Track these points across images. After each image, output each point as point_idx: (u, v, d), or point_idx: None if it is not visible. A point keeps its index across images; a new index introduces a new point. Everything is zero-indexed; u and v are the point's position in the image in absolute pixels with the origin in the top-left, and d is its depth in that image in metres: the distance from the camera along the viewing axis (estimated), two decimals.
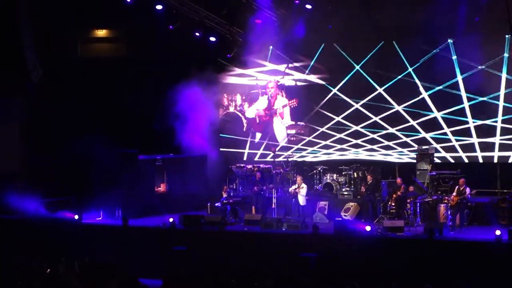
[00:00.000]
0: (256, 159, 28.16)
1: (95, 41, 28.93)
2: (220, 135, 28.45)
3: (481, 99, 24.62)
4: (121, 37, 28.74)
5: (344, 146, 26.87)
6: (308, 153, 27.43)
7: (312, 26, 25.46)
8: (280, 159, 26.83)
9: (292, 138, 27.70)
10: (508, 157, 24.55)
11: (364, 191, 23.56)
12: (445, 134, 25.30)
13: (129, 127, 26.51)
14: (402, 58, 25.29)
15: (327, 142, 27.07)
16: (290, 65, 27.31)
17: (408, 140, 25.81)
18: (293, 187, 23.72)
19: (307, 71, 27.14)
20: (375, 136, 26.37)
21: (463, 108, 24.90)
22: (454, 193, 21.75)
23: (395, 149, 26.07)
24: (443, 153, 25.28)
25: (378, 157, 26.45)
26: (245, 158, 28.29)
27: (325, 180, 25.41)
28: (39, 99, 26.13)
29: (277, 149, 27.02)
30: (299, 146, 27.54)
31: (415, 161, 24.70)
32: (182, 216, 23.17)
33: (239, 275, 16.38)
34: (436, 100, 25.25)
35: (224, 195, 24.22)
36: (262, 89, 28.14)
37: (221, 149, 28.43)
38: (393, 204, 22.64)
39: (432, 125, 25.42)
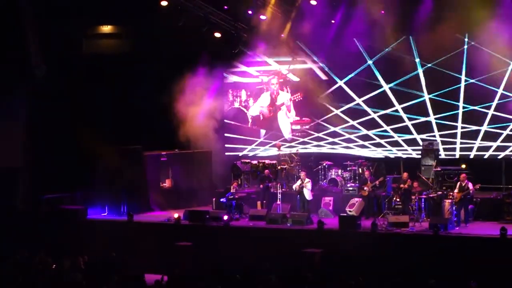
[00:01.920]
0: (251, 154, 28.17)
1: (100, 37, 28.93)
2: (225, 130, 28.51)
3: None
4: (126, 33, 28.71)
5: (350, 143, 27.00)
6: (313, 146, 27.47)
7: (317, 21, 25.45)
8: (284, 152, 26.86)
9: (297, 134, 27.72)
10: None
11: (368, 188, 23.44)
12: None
13: (134, 123, 26.54)
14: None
15: (335, 139, 27.13)
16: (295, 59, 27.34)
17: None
18: (297, 183, 23.73)
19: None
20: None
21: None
22: (456, 190, 21.73)
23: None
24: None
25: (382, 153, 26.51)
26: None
27: (330, 176, 25.38)
28: (43, 95, 26.18)
29: (281, 148, 26.95)
30: (305, 139, 27.60)
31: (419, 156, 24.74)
32: (187, 211, 23.25)
33: (243, 270, 16.43)
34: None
35: (233, 190, 24.21)
36: (265, 85, 28.15)
37: (226, 144, 28.47)
38: (398, 199, 22.60)
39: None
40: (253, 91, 28.45)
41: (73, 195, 24.71)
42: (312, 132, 27.38)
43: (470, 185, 21.65)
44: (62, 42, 26.42)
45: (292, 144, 27.69)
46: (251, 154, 28.30)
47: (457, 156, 25.26)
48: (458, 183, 21.90)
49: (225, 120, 28.56)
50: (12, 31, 25.04)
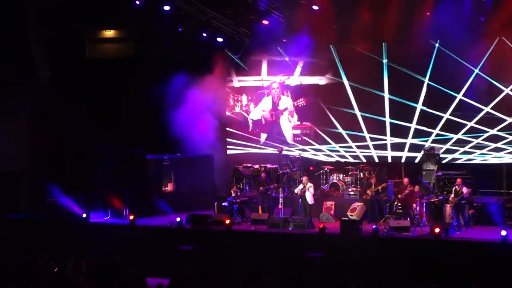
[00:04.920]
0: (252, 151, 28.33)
1: (103, 41, 29.07)
2: (227, 134, 28.58)
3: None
4: (128, 37, 28.87)
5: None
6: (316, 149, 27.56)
7: (318, 26, 25.53)
8: (286, 152, 26.96)
9: (297, 138, 27.78)
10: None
11: (371, 192, 23.46)
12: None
13: (137, 127, 26.62)
14: None
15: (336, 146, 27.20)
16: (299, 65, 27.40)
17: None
18: (299, 187, 23.80)
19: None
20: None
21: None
22: (452, 195, 21.82)
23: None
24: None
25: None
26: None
27: (332, 180, 25.44)
28: (46, 99, 26.27)
29: (283, 150, 27.03)
30: (306, 146, 27.66)
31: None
32: (189, 215, 23.30)
33: (245, 274, 16.47)
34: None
35: (233, 194, 24.27)
36: (267, 90, 28.22)
37: (227, 149, 28.54)
38: (399, 204, 22.66)
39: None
40: (253, 96, 28.52)
41: (76, 199, 24.74)
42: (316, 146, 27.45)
43: (465, 189, 21.73)
44: (65, 46, 26.55)
45: (293, 148, 27.73)
46: (252, 151, 28.37)
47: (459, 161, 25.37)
48: (454, 187, 22.01)
49: (227, 124, 28.62)
50: (16, 34, 25.17)
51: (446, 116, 25.11)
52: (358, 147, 26.59)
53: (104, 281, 16.20)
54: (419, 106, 25.41)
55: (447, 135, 25.22)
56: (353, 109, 26.41)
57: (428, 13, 24.11)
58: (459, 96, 24.83)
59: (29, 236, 23.11)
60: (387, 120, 25.99)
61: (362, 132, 26.38)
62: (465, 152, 25.06)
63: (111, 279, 16.21)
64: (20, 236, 23.21)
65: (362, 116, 26.28)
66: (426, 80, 25.21)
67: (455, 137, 25.08)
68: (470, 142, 24.93)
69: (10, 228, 23.79)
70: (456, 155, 25.18)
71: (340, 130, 26.73)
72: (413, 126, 25.61)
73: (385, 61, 25.67)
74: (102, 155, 25.37)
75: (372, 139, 26.37)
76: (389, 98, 25.85)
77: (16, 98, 26.29)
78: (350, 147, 26.68)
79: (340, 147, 26.86)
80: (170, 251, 21.36)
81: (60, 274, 16.95)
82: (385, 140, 26.14)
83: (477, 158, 24.89)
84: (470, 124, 24.80)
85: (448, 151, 25.19)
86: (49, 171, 25.88)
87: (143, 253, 21.84)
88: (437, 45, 24.79)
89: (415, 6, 24.13)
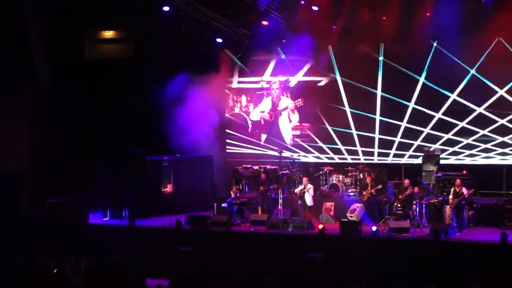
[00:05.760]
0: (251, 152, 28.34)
1: (102, 42, 29.06)
2: (226, 135, 28.58)
3: None
4: (128, 38, 28.86)
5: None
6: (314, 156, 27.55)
7: (318, 27, 25.54)
8: (287, 153, 26.96)
9: (297, 139, 27.77)
10: None
11: (366, 193, 23.45)
12: None
13: (137, 127, 26.61)
14: None
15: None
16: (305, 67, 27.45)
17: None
18: (299, 188, 23.79)
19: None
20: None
21: None
22: (451, 196, 21.82)
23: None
24: None
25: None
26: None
27: (331, 181, 25.43)
28: (47, 99, 26.27)
29: (282, 151, 27.03)
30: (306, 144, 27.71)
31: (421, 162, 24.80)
32: (188, 216, 23.27)
33: (245, 275, 16.48)
34: None
35: (233, 194, 24.25)
36: (266, 90, 28.22)
37: (227, 150, 28.53)
38: (399, 205, 22.65)
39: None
40: (253, 97, 28.52)
41: (75, 200, 24.73)
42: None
43: (465, 190, 21.74)
44: (65, 46, 26.56)
45: (296, 147, 27.74)
46: (251, 152, 28.36)
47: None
48: (452, 188, 22.01)
49: (226, 125, 28.61)
50: (16, 34, 25.16)
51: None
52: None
53: (104, 282, 16.20)
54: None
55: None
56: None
57: (428, 14, 24.14)
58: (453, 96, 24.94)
59: (29, 236, 23.09)
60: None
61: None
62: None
63: (111, 279, 16.20)
64: (20, 236, 23.17)
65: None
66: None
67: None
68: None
69: (10, 228, 23.75)
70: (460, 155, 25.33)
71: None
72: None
73: (381, 58, 25.72)
74: (102, 155, 25.36)
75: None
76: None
77: (16, 98, 26.28)
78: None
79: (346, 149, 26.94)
80: (170, 252, 21.35)
81: (59, 274, 16.96)
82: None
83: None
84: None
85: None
86: (49, 171, 25.89)
87: (142, 254, 21.80)
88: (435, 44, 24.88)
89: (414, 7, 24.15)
